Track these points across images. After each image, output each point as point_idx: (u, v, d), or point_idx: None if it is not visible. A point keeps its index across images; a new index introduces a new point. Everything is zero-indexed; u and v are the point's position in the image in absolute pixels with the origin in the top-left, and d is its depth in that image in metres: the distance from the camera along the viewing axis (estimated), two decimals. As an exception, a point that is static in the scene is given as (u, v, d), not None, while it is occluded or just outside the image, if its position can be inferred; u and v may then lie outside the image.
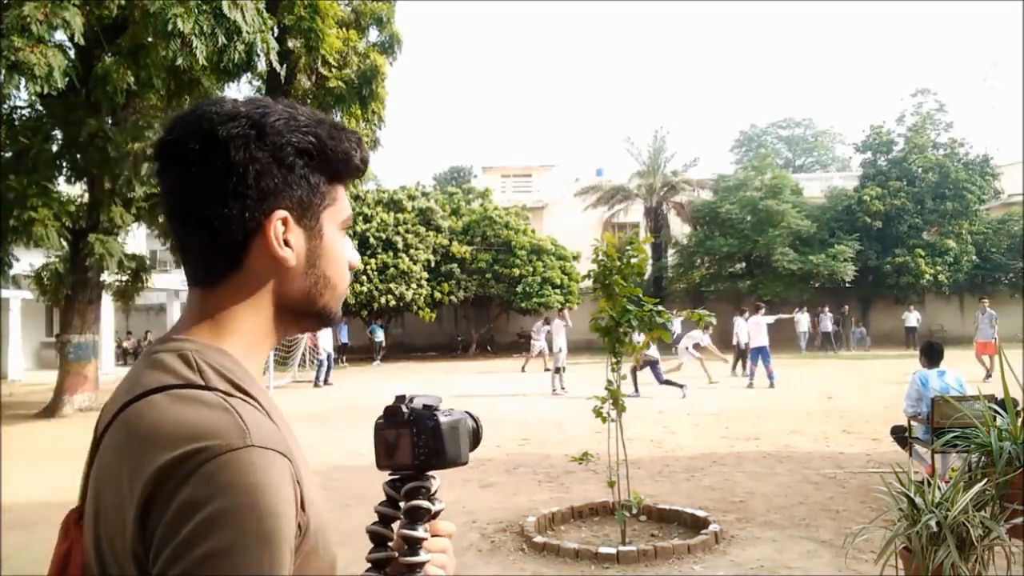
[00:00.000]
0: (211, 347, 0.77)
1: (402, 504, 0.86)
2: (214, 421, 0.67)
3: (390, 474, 0.88)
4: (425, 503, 0.85)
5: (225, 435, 0.66)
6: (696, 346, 15.24)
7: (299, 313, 0.84)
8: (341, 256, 0.85)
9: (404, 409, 0.86)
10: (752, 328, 14.78)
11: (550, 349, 15.71)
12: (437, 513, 0.87)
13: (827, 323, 25.33)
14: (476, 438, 0.90)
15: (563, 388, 13.93)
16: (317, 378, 17.22)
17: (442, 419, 0.84)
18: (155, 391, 0.70)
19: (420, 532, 0.84)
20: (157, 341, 0.80)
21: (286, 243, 0.78)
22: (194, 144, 0.75)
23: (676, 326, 14.53)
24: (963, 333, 24.05)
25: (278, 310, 0.82)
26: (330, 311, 0.86)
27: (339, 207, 0.84)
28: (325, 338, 18.64)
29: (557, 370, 14.28)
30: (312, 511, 0.71)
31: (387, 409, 0.88)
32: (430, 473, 0.86)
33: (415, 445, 0.84)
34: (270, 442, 0.68)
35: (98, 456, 0.73)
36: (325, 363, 17.26)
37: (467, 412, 0.90)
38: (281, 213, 0.78)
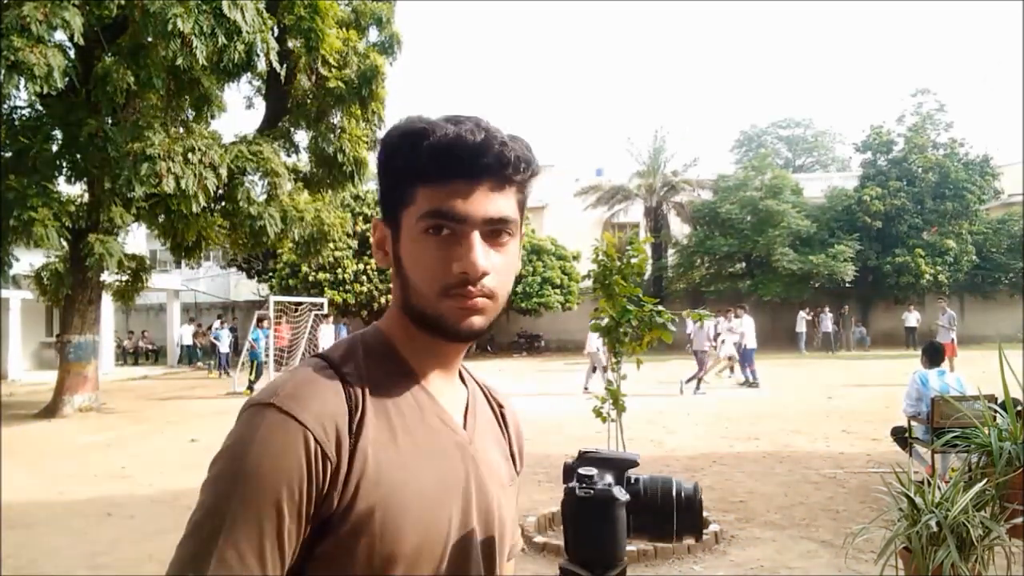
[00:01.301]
0: (376, 327, 0.93)
1: None
2: (278, 383, 0.83)
3: None
4: None
5: (265, 393, 0.81)
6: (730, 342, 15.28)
7: (413, 312, 0.92)
8: (425, 258, 0.90)
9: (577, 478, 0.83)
10: (746, 329, 14.94)
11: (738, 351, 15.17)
12: None
13: (827, 323, 25.32)
14: (688, 510, 0.84)
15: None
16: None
17: (579, 493, 0.81)
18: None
19: None
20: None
21: None
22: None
23: (708, 327, 14.42)
24: (963, 333, 24.04)
25: (404, 305, 0.93)
26: (432, 313, 0.91)
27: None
28: (325, 337, 18.64)
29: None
30: (367, 496, 0.79)
31: (564, 470, 0.89)
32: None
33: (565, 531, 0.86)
34: (291, 406, 0.78)
35: None
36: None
37: (679, 481, 0.83)
38: (377, 220, 0.96)
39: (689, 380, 13.53)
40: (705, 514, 5.29)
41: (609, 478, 0.81)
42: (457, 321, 0.85)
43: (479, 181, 0.84)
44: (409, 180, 0.86)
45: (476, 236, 0.84)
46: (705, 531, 5.02)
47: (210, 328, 24.27)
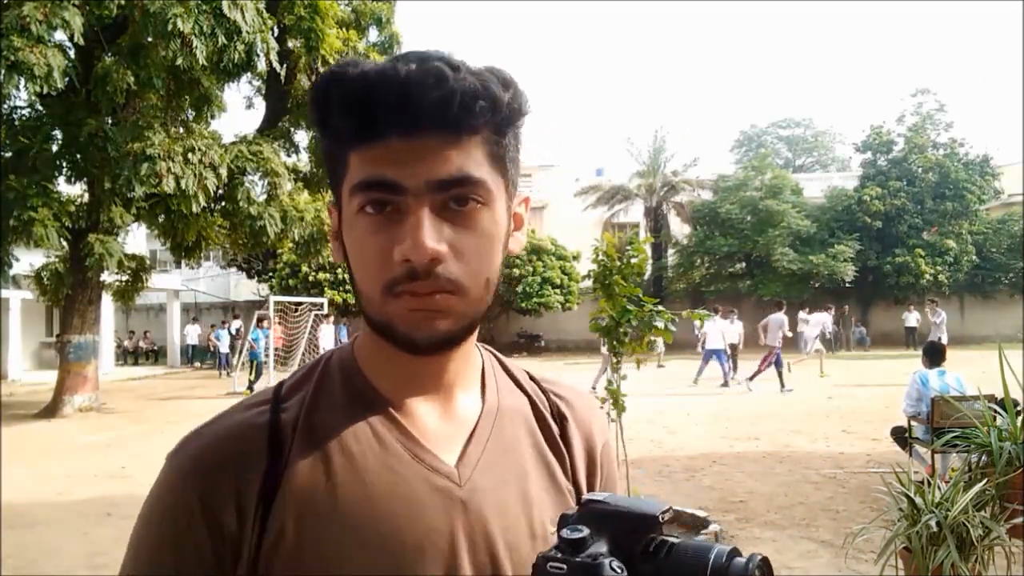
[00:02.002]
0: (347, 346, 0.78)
1: None
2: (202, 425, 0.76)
3: None
4: None
5: (183, 438, 0.73)
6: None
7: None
8: (357, 244, 0.69)
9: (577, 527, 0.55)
10: (730, 330, 15.20)
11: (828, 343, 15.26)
12: None
13: (828, 323, 25.31)
14: None
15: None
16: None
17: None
18: None
19: None
20: None
21: None
22: None
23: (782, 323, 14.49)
24: (963, 333, 24.09)
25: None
26: (378, 318, 0.71)
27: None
28: (326, 338, 18.64)
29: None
30: (288, 565, 0.64)
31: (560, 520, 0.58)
32: None
33: None
34: (183, 462, 0.69)
35: None
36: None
37: (734, 552, 0.54)
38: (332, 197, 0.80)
39: (752, 377, 13.59)
40: (705, 514, 5.30)
41: (604, 546, 0.53)
42: (410, 328, 0.64)
43: (420, 133, 0.62)
44: (340, 142, 0.65)
45: (424, 210, 0.62)
46: (704, 531, 5.01)
47: (236, 329, 24.13)
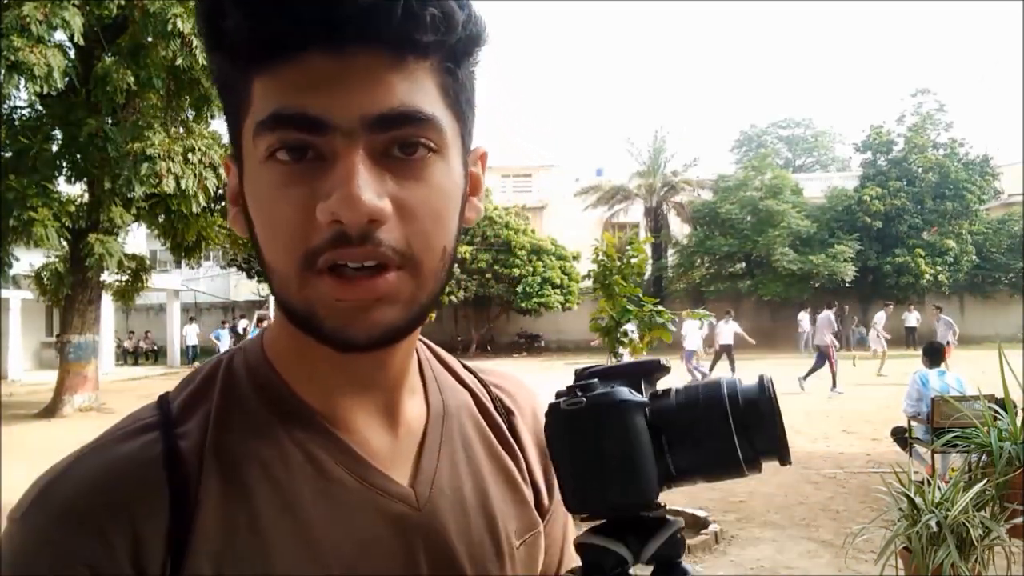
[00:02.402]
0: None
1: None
2: (50, 471, 0.53)
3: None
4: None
5: (26, 494, 0.51)
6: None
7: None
8: (261, 205, 0.52)
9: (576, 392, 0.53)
10: (725, 330, 15.37)
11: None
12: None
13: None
14: (760, 429, 0.51)
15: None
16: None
17: (563, 406, 0.51)
18: None
19: None
20: None
21: None
22: None
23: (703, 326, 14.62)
24: (963, 333, 24.04)
25: None
26: (283, 298, 0.58)
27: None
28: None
29: None
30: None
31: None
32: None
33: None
34: (53, 522, 0.48)
35: None
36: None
37: (734, 380, 0.52)
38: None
39: (806, 376, 13.51)
40: (705, 514, 5.31)
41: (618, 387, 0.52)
42: (340, 321, 0.48)
43: (352, 50, 0.45)
44: (238, 63, 0.48)
45: (359, 154, 0.46)
46: (704, 531, 5.02)
47: (244, 328, 24.09)
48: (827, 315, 14.41)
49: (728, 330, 15.74)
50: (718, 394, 0.50)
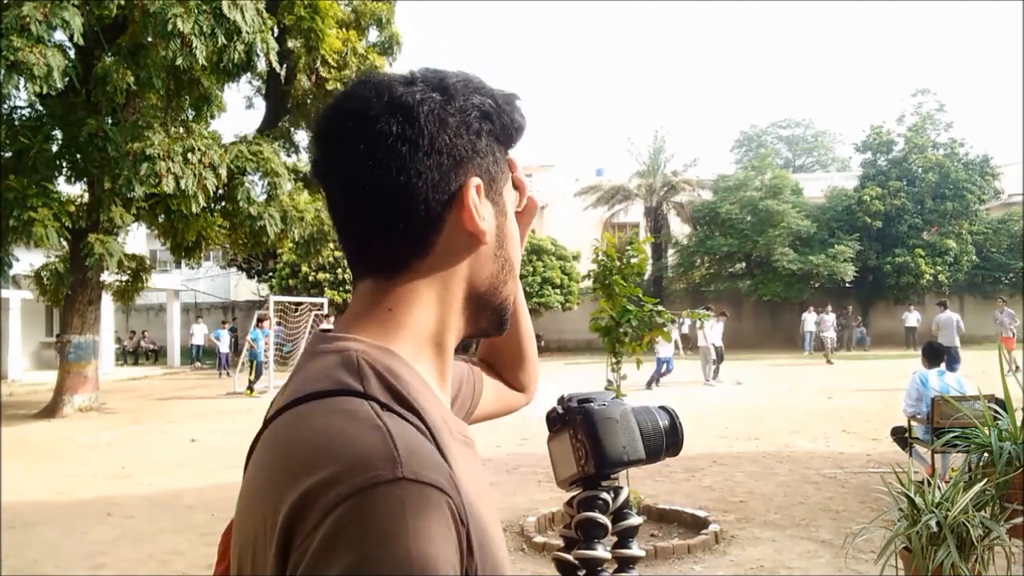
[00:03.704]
0: (381, 347, 0.66)
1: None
2: (363, 442, 0.55)
3: (571, 487, 0.77)
4: (598, 516, 0.71)
5: (372, 462, 0.54)
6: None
7: (483, 305, 0.73)
8: (519, 240, 0.76)
9: (559, 410, 0.75)
10: (715, 330, 15.31)
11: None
12: (629, 530, 0.71)
13: (830, 323, 25.36)
14: (672, 432, 0.75)
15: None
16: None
17: (594, 409, 0.72)
18: (307, 398, 0.61)
19: (600, 552, 0.69)
20: (320, 338, 0.69)
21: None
22: (377, 111, 0.66)
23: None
24: (964, 333, 24.02)
25: (467, 301, 0.72)
26: (509, 305, 0.76)
27: (512, 183, 0.76)
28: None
29: None
30: (483, 556, 0.58)
31: (547, 416, 0.77)
32: (610, 482, 0.72)
33: (575, 449, 0.73)
34: (425, 473, 0.54)
35: (248, 468, 0.64)
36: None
37: (659, 406, 0.77)
38: (476, 181, 0.69)
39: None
40: (705, 514, 5.31)
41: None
42: None
43: None
44: (500, 143, 0.73)
45: None
46: (704, 531, 5.02)
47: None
48: (949, 316, 14.28)
49: (718, 330, 15.66)
50: (633, 416, 0.77)
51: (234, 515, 0.65)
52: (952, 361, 14.01)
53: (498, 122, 0.71)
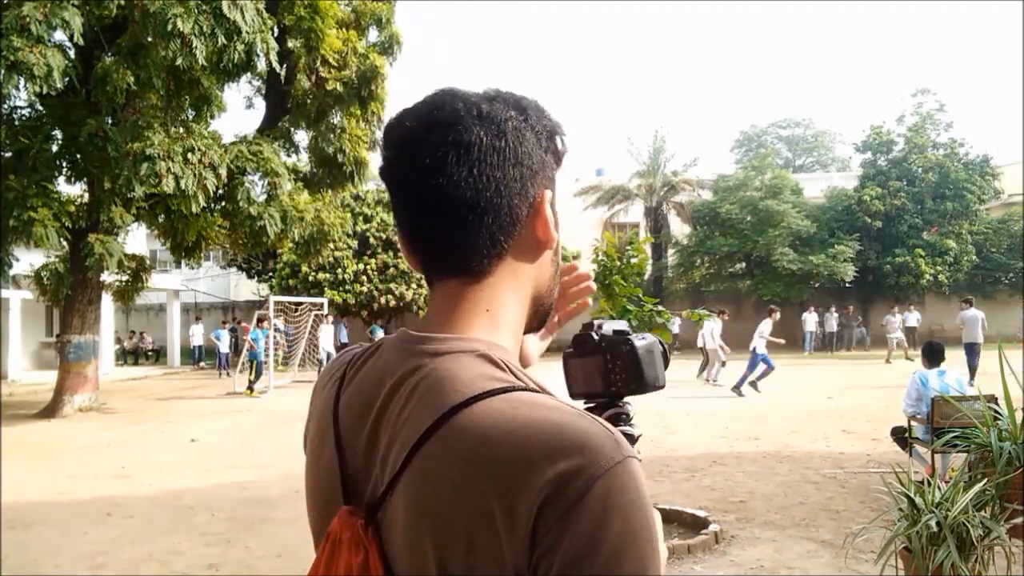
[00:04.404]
0: (498, 346, 0.72)
1: None
2: (586, 429, 0.63)
3: (585, 402, 0.86)
4: (630, 428, 0.83)
5: (603, 445, 0.62)
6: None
7: (538, 305, 0.79)
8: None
9: (594, 336, 0.84)
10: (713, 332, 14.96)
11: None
12: (636, 439, 0.83)
13: (832, 323, 25.42)
14: (666, 361, 0.87)
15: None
16: (318, 378, 17.22)
17: (638, 343, 0.82)
18: (485, 395, 0.66)
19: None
20: (420, 339, 0.72)
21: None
22: (469, 121, 0.72)
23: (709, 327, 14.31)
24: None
25: (532, 301, 0.78)
26: (552, 307, 0.83)
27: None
28: (325, 338, 18.65)
29: None
30: None
31: (576, 338, 0.86)
32: (626, 400, 0.84)
33: (610, 372, 0.82)
34: (632, 450, 0.64)
35: (420, 465, 0.66)
36: (325, 363, 17.28)
37: (658, 339, 0.86)
38: (548, 193, 0.76)
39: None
40: (705, 514, 5.31)
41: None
42: None
43: None
44: (556, 163, 0.80)
45: None
46: (704, 531, 5.02)
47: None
48: (973, 313, 14.10)
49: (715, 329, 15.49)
50: (659, 347, 0.86)
51: (368, 507, 0.69)
52: (973, 356, 14.05)
53: (557, 144, 0.79)
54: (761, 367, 13.34)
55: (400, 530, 0.66)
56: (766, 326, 13.56)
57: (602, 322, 0.86)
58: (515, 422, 0.63)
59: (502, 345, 0.73)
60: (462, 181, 0.71)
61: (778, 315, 14.01)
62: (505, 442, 0.62)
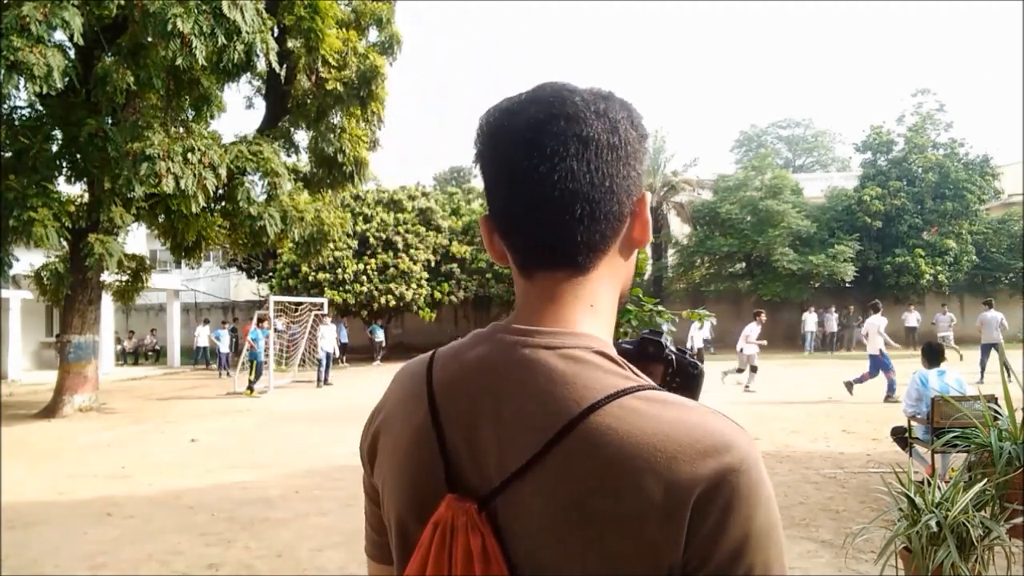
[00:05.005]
0: (605, 342, 0.74)
1: None
2: (724, 426, 0.68)
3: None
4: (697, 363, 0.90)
5: (743, 442, 0.67)
6: None
7: (623, 303, 0.82)
8: None
9: (666, 350, 0.88)
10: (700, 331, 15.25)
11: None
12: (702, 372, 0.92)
13: (832, 323, 25.43)
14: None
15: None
16: (319, 378, 17.24)
17: (698, 370, 0.88)
18: (620, 394, 0.68)
19: None
20: (525, 331, 0.74)
21: None
22: (588, 116, 0.73)
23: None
24: (963, 333, 24.03)
25: (620, 298, 0.80)
26: (624, 307, 0.88)
27: None
28: (326, 337, 18.64)
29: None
30: None
31: (643, 340, 0.88)
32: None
33: (669, 384, 0.86)
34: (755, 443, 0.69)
35: (560, 460, 0.67)
36: (325, 363, 17.28)
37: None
38: (649, 194, 0.77)
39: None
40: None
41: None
42: None
43: None
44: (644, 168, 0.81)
45: None
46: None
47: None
48: (994, 315, 14.08)
49: (703, 331, 15.61)
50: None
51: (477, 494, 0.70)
52: (986, 356, 14.13)
53: (649, 149, 0.79)
54: (868, 371, 12.38)
55: (531, 522, 0.67)
56: (752, 329, 13.65)
57: (661, 332, 0.91)
58: (659, 420, 0.66)
59: (607, 340, 0.75)
60: (581, 175, 0.72)
61: (764, 317, 14.04)
62: (653, 440, 0.65)
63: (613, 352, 0.73)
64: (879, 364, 12.21)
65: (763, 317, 13.94)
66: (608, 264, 0.76)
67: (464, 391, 0.74)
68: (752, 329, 13.67)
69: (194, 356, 24.37)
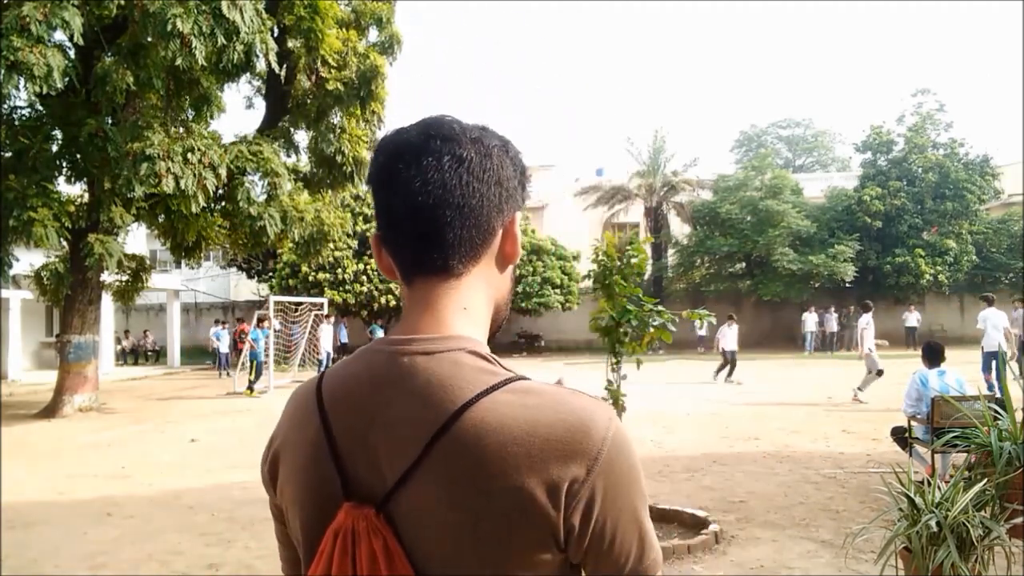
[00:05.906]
0: (478, 341, 0.82)
1: None
2: (587, 404, 0.76)
3: None
4: None
5: (603, 415, 0.76)
6: None
7: (497, 314, 0.88)
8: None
9: None
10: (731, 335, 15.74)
11: None
12: None
13: (832, 323, 25.42)
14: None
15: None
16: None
17: None
18: (491, 389, 0.74)
19: None
20: (405, 341, 0.79)
21: None
22: (463, 140, 0.82)
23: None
24: (963, 333, 24.06)
25: (496, 308, 0.88)
26: (504, 322, 0.92)
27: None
28: (325, 338, 18.65)
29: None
30: None
31: None
32: None
33: None
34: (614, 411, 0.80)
35: (441, 459, 0.73)
36: (325, 363, 17.28)
37: None
38: (519, 213, 0.87)
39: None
40: (705, 514, 5.31)
41: None
42: None
43: None
44: (521, 197, 0.88)
45: None
46: (704, 531, 5.02)
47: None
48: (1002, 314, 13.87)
49: (732, 334, 15.79)
50: None
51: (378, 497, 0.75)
52: (991, 360, 13.90)
53: (526, 182, 0.88)
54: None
55: (424, 519, 0.72)
56: (725, 331, 15.61)
57: None
58: (525, 407, 0.73)
59: (481, 340, 0.82)
60: (452, 186, 0.79)
61: (735, 324, 15.97)
62: (524, 427, 0.72)
63: (486, 351, 0.80)
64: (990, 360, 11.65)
65: (734, 324, 15.90)
66: (481, 273, 0.83)
67: (352, 403, 0.79)
68: (725, 331, 15.58)
69: (212, 358, 23.04)
